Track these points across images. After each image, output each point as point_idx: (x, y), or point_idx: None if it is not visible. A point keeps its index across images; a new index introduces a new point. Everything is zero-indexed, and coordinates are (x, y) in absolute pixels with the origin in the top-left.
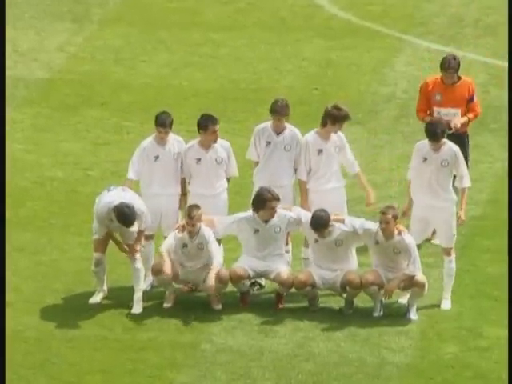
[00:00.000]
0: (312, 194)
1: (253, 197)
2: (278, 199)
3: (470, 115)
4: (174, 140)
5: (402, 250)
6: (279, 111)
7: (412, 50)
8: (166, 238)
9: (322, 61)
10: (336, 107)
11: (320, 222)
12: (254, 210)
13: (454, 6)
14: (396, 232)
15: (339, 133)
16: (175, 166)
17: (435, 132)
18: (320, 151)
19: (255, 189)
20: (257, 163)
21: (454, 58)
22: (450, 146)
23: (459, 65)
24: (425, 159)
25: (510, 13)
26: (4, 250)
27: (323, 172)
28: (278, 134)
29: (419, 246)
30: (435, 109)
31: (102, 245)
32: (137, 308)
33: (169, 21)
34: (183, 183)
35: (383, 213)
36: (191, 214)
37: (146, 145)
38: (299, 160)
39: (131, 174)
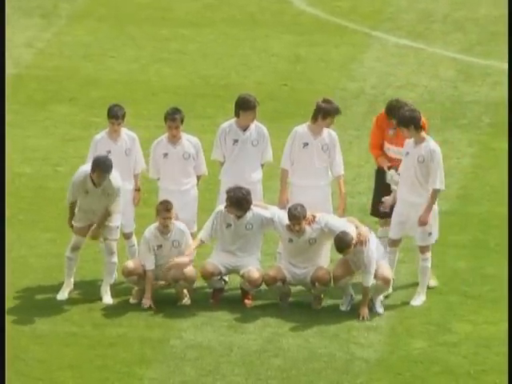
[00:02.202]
0: (294, 189)
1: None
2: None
3: None
4: (127, 135)
5: (359, 260)
6: (254, 107)
7: (380, 46)
8: (125, 234)
9: (290, 56)
10: (326, 101)
11: (295, 215)
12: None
13: (422, 2)
14: (357, 243)
15: (332, 132)
16: (127, 161)
17: (404, 116)
18: (305, 144)
19: (222, 187)
20: (222, 163)
21: (397, 101)
22: (428, 144)
23: (403, 105)
24: (407, 153)
25: (509, 12)
26: (4, 249)
27: (305, 166)
28: (245, 131)
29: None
30: (386, 144)
31: (82, 229)
32: (107, 298)
33: (138, 16)
34: (136, 179)
35: (342, 250)
36: (168, 207)
37: (98, 139)
38: (284, 151)
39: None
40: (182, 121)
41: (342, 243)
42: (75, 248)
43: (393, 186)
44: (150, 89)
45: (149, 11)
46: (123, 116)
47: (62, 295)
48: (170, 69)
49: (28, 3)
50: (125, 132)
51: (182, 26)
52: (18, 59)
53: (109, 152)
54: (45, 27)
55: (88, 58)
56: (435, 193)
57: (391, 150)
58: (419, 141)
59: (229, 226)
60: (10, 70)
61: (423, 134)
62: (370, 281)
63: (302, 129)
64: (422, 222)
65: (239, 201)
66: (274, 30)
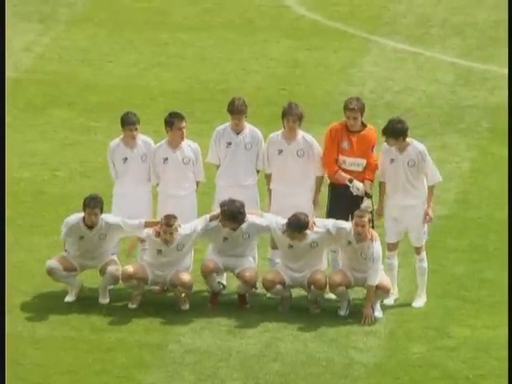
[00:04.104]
0: (275, 194)
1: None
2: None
3: (368, 176)
4: (142, 141)
5: (368, 256)
6: (239, 111)
7: (379, 51)
8: (141, 238)
9: (289, 61)
10: (288, 104)
11: (299, 224)
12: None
13: (420, 7)
14: (368, 237)
15: (307, 136)
16: (143, 167)
17: (395, 128)
18: (280, 151)
19: (217, 191)
20: (218, 166)
21: (357, 99)
22: (414, 146)
23: (363, 107)
24: (392, 160)
25: (509, 13)
26: (4, 250)
27: (283, 173)
28: (238, 134)
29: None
30: (341, 157)
31: (62, 258)
32: (104, 298)
33: (136, 21)
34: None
35: (359, 216)
36: (169, 223)
37: (115, 147)
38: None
39: (113, 175)
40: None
41: (367, 211)
42: (49, 272)
43: (360, 195)
44: (149, 93)
45: (147, 16)
46: (139, 121)
47: (70, 297)
48: (169, 73)
49: (26, 8)
50: (141, 138)
51: (180, 30)
52: (16, 64)
53: (125, 159)
54: (43, 32)
55: (87, 63)
56: (434, 187)
57: (347, 161)
58: (404, 146)
59: (225, 239)
60: (8, 74)
61: (407, 139)
62: (376, 279)
63: (276, 136)
64: (431, 218)
65: (233, 214)
66: (272, 34)
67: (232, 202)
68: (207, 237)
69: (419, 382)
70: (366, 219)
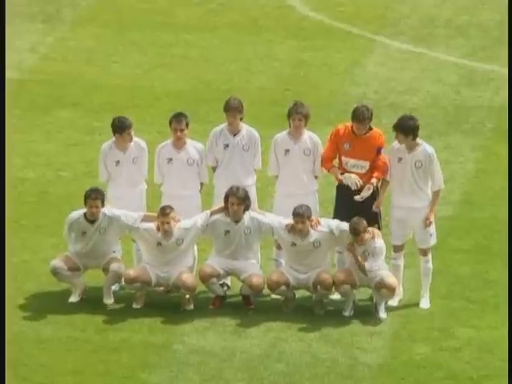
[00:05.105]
0: (280, 197)
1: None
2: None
3: (376, 174)
4: (134, 143)
5: (371, 253)
6: (232, 108)
7: (383, 51)
8: (133, 240)
9: (293, 61)
10: (294, 101)
11: (302, 210)
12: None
13: (425, 7)
14: (369, 237)
15: (313, 135)
16: (134, 169)
17: (406, 125)
18: (287, 151)
19: (216, 191)
20: (214, 168)
21: (367, 108)
22: (424, 148)
23: (372, 115)
24: (400, 159)
25: (510, 13)
26: (4, 250)
27: (290, 173)
28: (235, 135)
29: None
30: (343, 158)
31: (66, 258)
32: (108, 299)
33: (140, 21)
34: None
35: (355, 234)
36: (165, 211)
37: (107, 150)
38: (268, 158)
39: (101, 178)
40: (187, 125)
41: (360, 225)
42: (53, 272)
43: (353, 187)
44: (153, 94)
45: (151, 16)
46: (132, 124)
47: (74, 298)
48: (173, 74)
49: (31, 8)
50: (133, 140)
51: (184, 31)
52: (20, 64)
53: (118, 162)
54: (48, 32)
55: (91, 63)
56: (439, 193)
57: (349, 163)
58: (413, 146)
59: (227, 232)
60: (13, 74)
61: (417, 139)
62: (374, 266)
63: (282, 136)
64: (430, 223)
65: (239, 191)
66: (277, 34)
67: (237, 187)
68: (209, 232)
69: (423, 382)
70: (360, 228)
